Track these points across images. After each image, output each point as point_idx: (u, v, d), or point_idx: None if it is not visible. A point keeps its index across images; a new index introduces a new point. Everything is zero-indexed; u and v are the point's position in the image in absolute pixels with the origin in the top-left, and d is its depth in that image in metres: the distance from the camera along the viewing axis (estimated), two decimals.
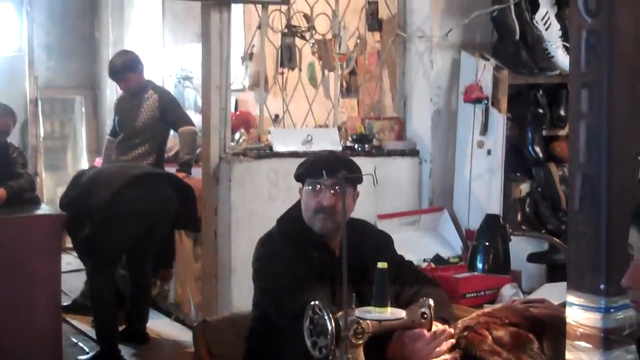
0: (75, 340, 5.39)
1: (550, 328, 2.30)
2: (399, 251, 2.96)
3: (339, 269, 2.66)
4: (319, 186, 2.71)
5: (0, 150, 5.08)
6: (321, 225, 2.72)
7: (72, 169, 9.73)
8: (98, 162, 7.25)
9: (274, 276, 2.71)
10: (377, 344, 2.43)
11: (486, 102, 4.09)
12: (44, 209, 5.01)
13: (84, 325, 5.51)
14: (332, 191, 2.70)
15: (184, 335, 5.30)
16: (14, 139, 6.27)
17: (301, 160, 2.89)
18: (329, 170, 2.64)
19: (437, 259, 3.98)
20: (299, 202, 2.84)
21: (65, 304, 5.34)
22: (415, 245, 4.07)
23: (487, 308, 2.67)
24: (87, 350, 5.17)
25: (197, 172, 4.94)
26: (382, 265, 2.36)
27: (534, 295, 3.45)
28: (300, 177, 2.80)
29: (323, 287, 2.61)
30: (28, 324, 4.48)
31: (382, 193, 4.20)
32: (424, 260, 3.95)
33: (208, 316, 3.11)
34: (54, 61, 9.26)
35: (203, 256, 4.50)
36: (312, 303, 2.32)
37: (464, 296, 3.58)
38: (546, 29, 4.19)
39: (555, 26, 4.17)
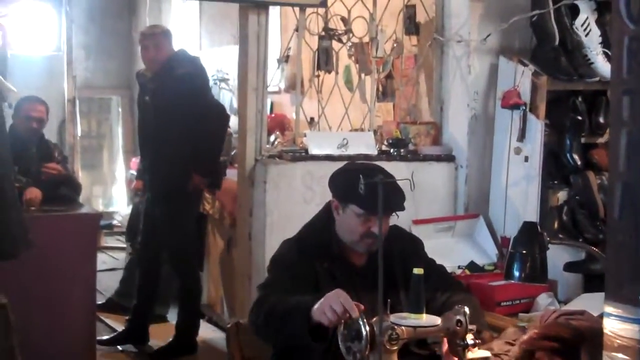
0: None
1: (589, 340, 2.27)
2: (434, 257, 2.93)
3: (361, 279, 2.67)
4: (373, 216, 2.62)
5: (40, 145, 5.08)
6: (367, 248, 2.70)
7: (107, 168, 9.85)
8: (134, 162, 7.32)
9: (272, 274, 2.75)
10: None
11: (524, 108, 4.05)
12: (80, 208, 5.05)
13: (118, 324, 5.54)
14: (385, 221, 2.67)
15: (217, 336, 5.32)
16: (52, 137, 6.34)
17: (337, 164, 2.86)
18: (393, 204, 2.62)
19: (472, 266, 3.95)
20: (325, 212, 2.80)
21: (99, 302, 5.39)
22: (450, 251, 4.05)
23: (534, 327, 2.57)
24: (120, 349, 5.21)
25: (232, 174, 4.96)
26: (418, 271, 2.35)
27: (570, 305, 3.40)
28: (350, 199, 2.66)
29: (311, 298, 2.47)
30: (63, 322, 4.52)
31: (418, 198, 4.17)
32: (459, 267, 3.93)
33: (241, 318, 3.11)
34: (92, 61, 9.37)
35: (237, 257, 4.51)
36: None
37: (499, 304, 3.55)
38: (586, 35, 4.14)
39: (596, 32, 4.12)
